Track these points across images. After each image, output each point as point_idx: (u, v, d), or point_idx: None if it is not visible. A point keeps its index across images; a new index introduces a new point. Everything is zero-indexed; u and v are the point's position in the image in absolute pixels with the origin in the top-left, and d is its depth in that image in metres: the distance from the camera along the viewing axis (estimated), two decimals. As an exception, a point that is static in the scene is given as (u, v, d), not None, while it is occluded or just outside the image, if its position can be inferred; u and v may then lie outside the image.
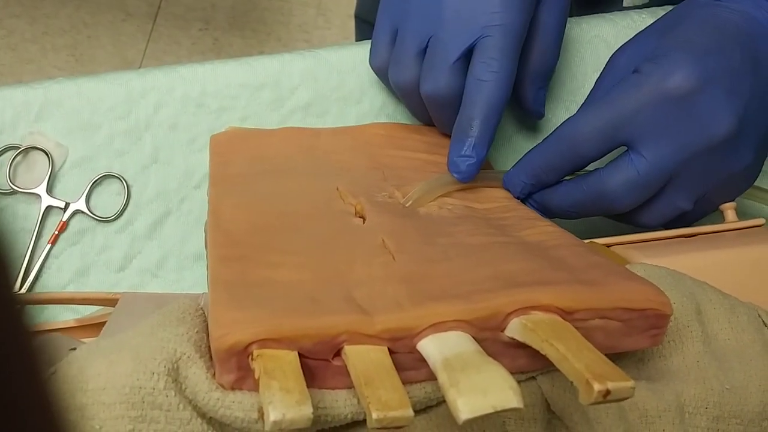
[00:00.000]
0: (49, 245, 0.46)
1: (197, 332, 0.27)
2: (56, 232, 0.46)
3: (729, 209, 0.40)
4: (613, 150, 0.37)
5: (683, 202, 0.37)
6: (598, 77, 0.40)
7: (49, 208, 0.47)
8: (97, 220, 0.47)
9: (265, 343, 0.24)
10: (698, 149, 0.35)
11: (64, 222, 0.46)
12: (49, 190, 0.47)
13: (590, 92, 0.40)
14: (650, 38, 0.38)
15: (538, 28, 0.42)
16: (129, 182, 0.48)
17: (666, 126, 0.35)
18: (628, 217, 0.39)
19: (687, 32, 0.37)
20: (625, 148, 0.36)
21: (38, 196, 0.47)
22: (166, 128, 0.49)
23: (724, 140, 0.35)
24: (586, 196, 0.37)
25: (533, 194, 0.39)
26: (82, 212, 0.47)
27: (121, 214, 0.47)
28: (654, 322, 0.28)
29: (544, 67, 0.44)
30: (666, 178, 0.36)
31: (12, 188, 0.47)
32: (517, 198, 0.39)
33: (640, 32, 0.40)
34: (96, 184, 0.48)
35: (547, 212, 0.39)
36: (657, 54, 0.36)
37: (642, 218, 0.39)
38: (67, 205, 0.47)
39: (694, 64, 0.35)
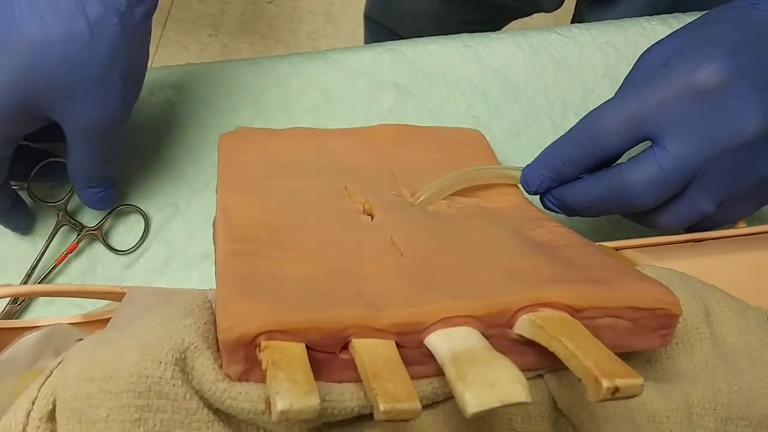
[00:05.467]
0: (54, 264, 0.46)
1: (205, 323, 0.27)
2: (65, 253, 0.46)
3: (738, 214, 0.40)
4: (637, 144, 0.36)
5: (706, 204, 0.36)
6: (627, 75, 0.39)
7: (64, 226, 0.47)
8: (110, 249, 0.47)
9: (272, 334, 0.24)
10: (725, 147, 0.34)
11: (75, 244, 0.46)
12: (67, 204, 0.47)
13: (619, 88, 0.39)
14: (682, 36, 0.38)
15: None
16: (149, 216, 0.48)
17: (692, 120, 0.34)
18: (647, 218, 0.38)
19: (719, 30, 0.36)
20: (650, 143, 0.35)
21: (56, 211, 0.47)
22: (175, 127, 0.50)
23: (752, 139, 0.34)
24: (606, 191, 0.36)
25: (552, 190, 0.38)
26: (96, 238, 0.47)
27: (136, 248, 0.47)
28: (663, 322, 0.28)
29: None
30: (690, 176, 0.35)
31: (34, 200, 0.46)
32: (535, 192, 0.38)
33: (672, 32, 0.39)
34: (115, 212, 0.47)
35: (566, 209, 0.38)
36: (687, 49, 0.35)
37: (662, 219, 0.37)
38: (81, 228, 0.47)
39: (724, 58, 0.34)
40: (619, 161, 0.37)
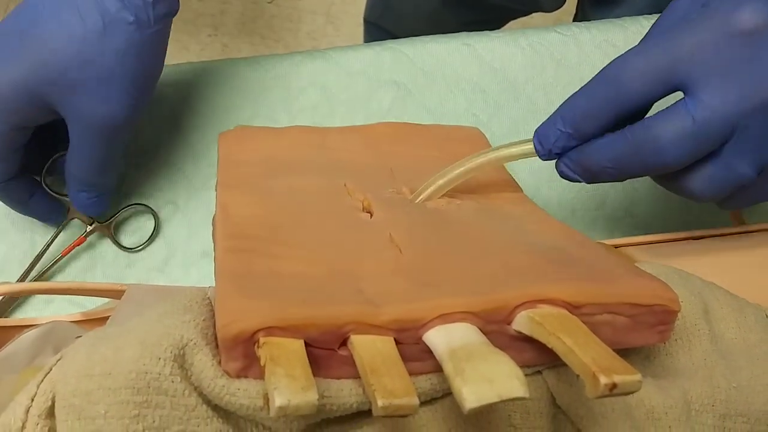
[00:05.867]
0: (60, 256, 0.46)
1: (204, 320, 0.27)
2: (72, 245, 0.46)
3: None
4: (667, 94, 0.32)
5: (744, 166, 0.31)
6: (658, 18, 0.35)
7: (74, 219, 0.47)
8: (118, 246, 0.47)
9: (271, 331, 0.24)
10: (766, 98, 0.30)
11: (84, 237, 0.46)
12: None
13: (647, 33, 0.35)
14: None
15: None
16: (159, 216, 0.48)
17: (730, 67, 0.30)
18: (677, 183, 0.34)
19: None
20: (682, 94, 0.31)
21: (68, 204, 0.46)
22: (174, 126, 0.50)
23: None
24: (630, 147, 0.32)
25: (569, 150, 0.34)
26: (105, 233, 0.47)
27: (144, 247, 0.47)
28: (661, 318, 0.28)
29: None
30: (726, 132, 0.30)
31: (48, 192, 0.47)
32: (550, 154, 0.34)
33: None
34: (126, 210, 0.48)
35: (585, 173, 0.34)
36: None
37: (693, 183, 0.33)
38: (92, 222, 0.47)
39: None
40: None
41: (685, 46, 0.30)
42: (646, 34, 0.35)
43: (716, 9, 0.30)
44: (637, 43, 0.33)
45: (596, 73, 0.33)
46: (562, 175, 0.35)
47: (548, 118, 0.34)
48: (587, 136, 0.33)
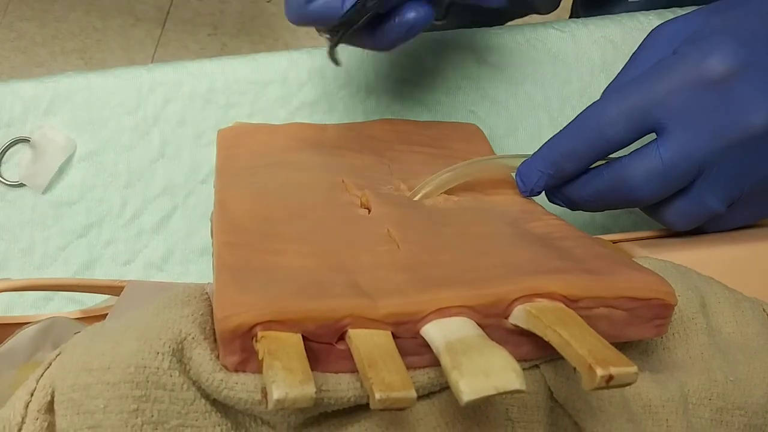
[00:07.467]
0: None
1: (202, 314, 0.27)
2: None
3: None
4: (641, 136, 0.34)
5: (713, 201, 0.34)
6: (634, 53, 0.38)
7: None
8: None
9: (269, 325, 0.24)
10: (732, 140, 0.32)
11: None
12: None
13: (623, 67, 0.37)
14: (696, 18, 0.36)
15: None
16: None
17: (698, 112, 0.32)
18: (656, 214, 0.37)
19: (736, 17, 0.34)
20: (655, 136, 0.34)
21: None
22: (173, 123, 0.50)
23: (762, 132, 0.32)
24: (606, 184, 0.35)
25: (556, 187, 0.37)
26: None
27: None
28: (658, 312, 0.28)
29: None
30: (694, 171, 0.33)
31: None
32: (531, 192, 0.37)
33: (688, 12, 0.37)
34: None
35: (568, 202, 0.37)
36: (698, 35, 0.34)
37: (668, 216, 0.36)
38: None
39: (736, 47, 0.32)
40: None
41: (658, 93, 0.33)
42: (618, 74, 0.37)
43: (686, 56, 0.33)
44: (611, 81, 0.37)
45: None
46: (550, 201, 0.38)
47: (529, 159, 0.37)
48: (567, 176, 0.36)
